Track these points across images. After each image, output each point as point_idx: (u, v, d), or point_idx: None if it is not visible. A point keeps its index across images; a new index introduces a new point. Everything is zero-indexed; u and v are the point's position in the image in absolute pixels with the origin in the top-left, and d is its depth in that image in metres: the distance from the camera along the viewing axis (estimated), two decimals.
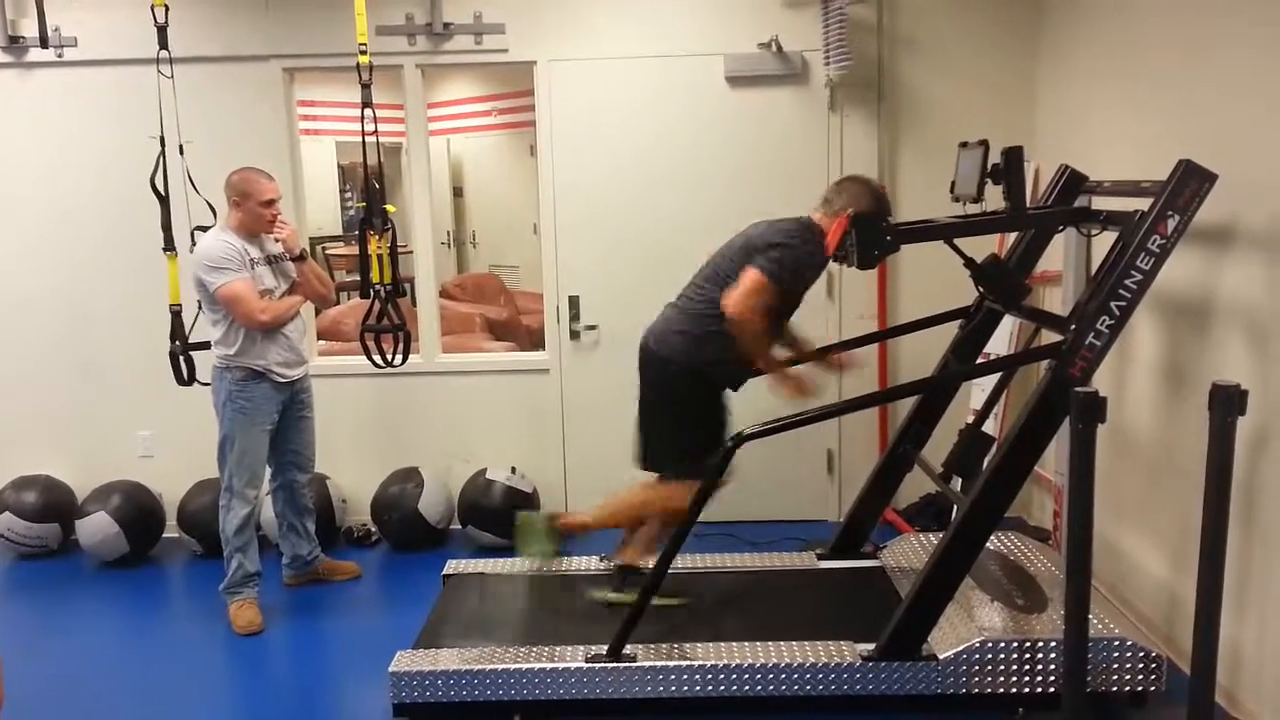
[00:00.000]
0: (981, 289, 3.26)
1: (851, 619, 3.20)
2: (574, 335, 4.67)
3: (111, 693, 3.39)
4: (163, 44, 3.81)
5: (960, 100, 4.45)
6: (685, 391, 3.27)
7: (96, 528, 4.37)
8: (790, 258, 3.11)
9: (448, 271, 8.22)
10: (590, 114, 4.53)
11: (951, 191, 3.26)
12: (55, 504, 4.58)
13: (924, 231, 3.16)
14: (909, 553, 3.67)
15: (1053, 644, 2.86)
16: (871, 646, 2.96)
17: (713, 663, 2.94)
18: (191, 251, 3.73)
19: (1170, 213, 2.76)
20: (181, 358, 3.91)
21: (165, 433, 4.71)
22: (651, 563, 3.22)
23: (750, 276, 3.07)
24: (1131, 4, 3.57)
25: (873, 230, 2.95)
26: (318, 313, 5.03)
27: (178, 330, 3.92)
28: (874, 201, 3.16)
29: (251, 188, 3.67)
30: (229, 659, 3.63)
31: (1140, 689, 2.89)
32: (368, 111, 3.74)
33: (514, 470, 4.54)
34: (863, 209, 3.05)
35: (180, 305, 3.93)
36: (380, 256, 3.80)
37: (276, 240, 3.79)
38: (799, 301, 3.31)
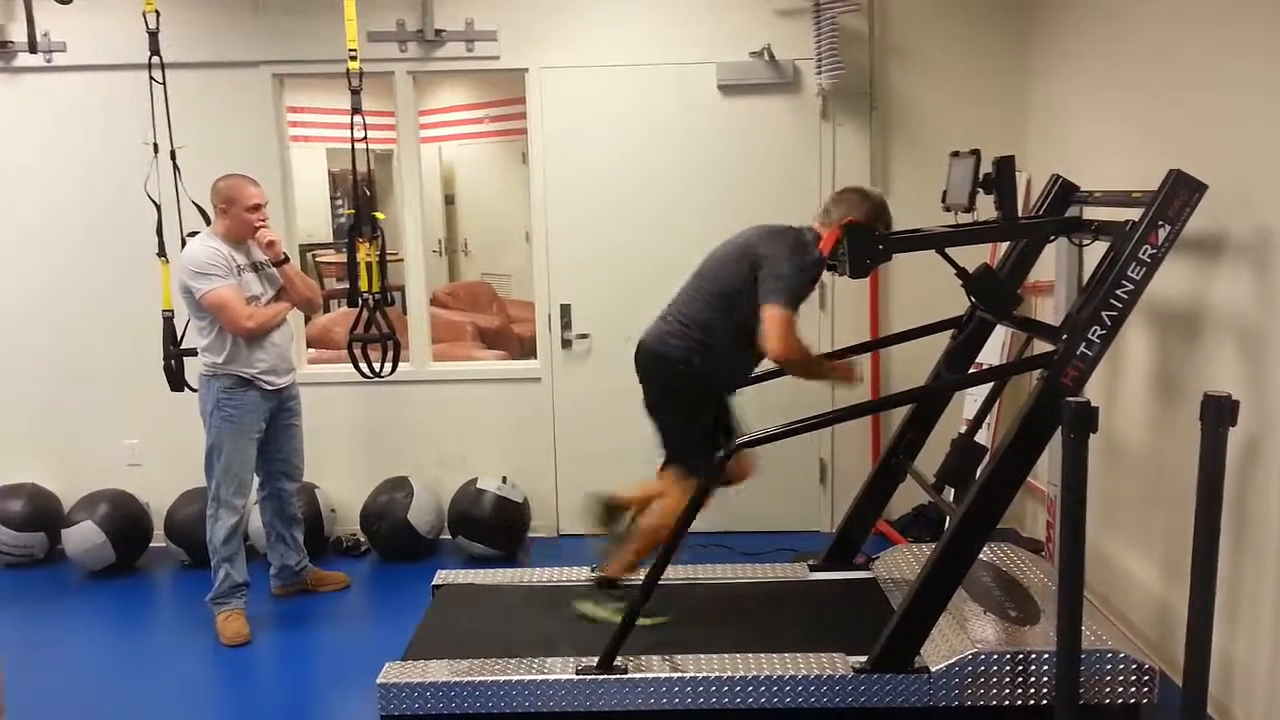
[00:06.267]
0: (973, 299, 3.26)
1: (844, 631, 3.18)
2: (565, 344, 4.66)
3: (98, 704, 3.36)
4: (154, 50, 3.80)
5: (952, 110, 4.45)
6: (685, 390, 3.24)
7: (83, 537, 4.34)
8: (796, 282, 3.08)
9: (439, 279, 8.19)
10: (582, 122, 4.52)
11: (943, 201, 3.26)
12: (41, 513, 4.54)
13: (916, 241, 3.15)
14: (901, 564, 3.66)
15: (1045, 656, 2.85)
16: (864, 658, 2.94)
17: (704, 675, 2.92)
18: None
19: (1161, 222, 2.76)
20: (174, 362, 3.90)
21: (153, 441, 4.67)
22: (637, 577, 3.22)
23: (774, 317, 3.02)
24: (1123, 15, 3.58)
25: (864, 239, 2.94)
26: (307, 320, 5.01)
27: (170, 336, 3.90)
28: (872, 210, 3.13)
29: (238, 194, 3.66)
30: (216, 670, 3.60)
31: (1133, 701, 2.87)
32: (358, 118, 3.73)
33: (505, 480, 4.51)
34: (860, 218, 3.04)
35: (172, 311, 3.92)
36: (369, 264, 3.79)
37: (263, 245, 3.75)
38: None
